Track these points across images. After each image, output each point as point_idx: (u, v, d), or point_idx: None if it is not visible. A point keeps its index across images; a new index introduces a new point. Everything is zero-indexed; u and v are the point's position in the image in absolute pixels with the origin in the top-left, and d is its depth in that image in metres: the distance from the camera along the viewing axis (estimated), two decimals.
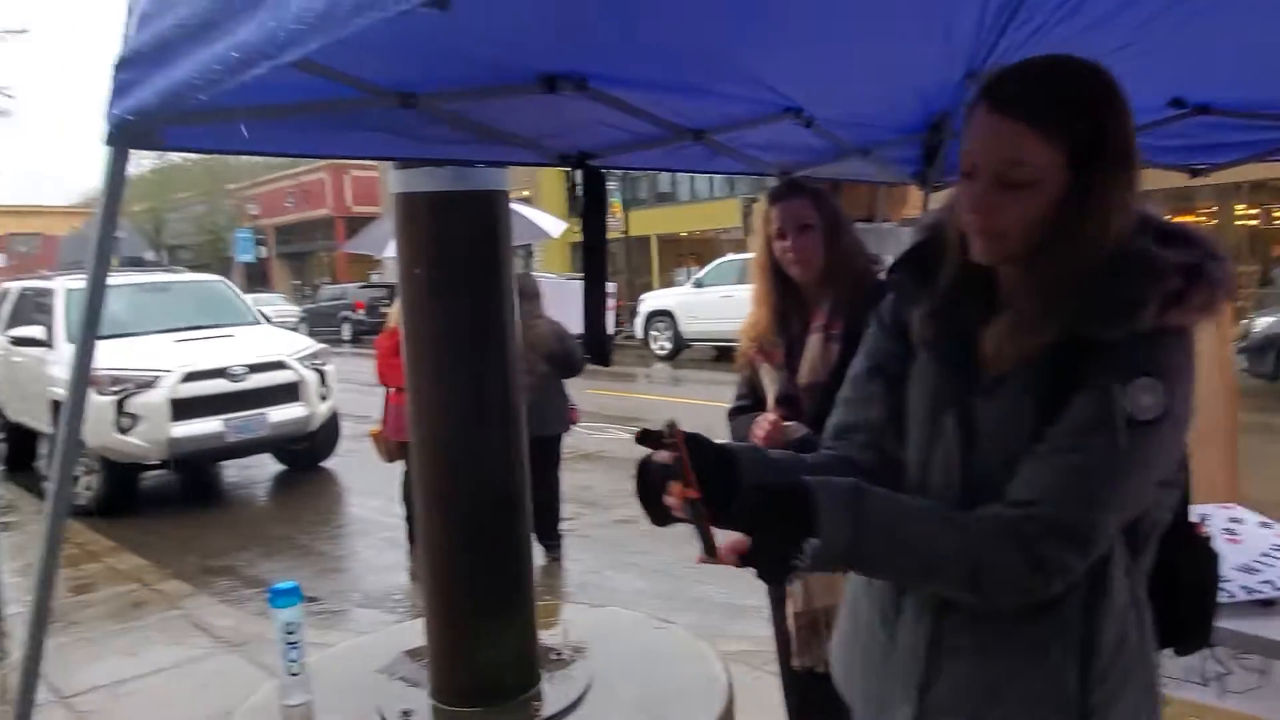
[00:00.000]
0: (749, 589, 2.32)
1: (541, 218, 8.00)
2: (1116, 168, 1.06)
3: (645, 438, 1.08)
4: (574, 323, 5.62)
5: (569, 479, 7.23)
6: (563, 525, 5.61)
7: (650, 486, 1.07)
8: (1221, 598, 1.84)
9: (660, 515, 1.08)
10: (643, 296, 17.51)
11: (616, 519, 6.25)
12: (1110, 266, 1.06)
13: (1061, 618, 1.11)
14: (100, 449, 6.58)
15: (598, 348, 2.10)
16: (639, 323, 16.62)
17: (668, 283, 21.80)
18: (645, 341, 16.42)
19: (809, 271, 2.15)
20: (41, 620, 1.61)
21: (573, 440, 8.72)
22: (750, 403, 2.31)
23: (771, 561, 1.04)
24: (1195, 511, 2.40)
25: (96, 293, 1.47)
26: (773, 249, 2.18)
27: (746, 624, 4.10)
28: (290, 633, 2.19)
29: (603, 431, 9.19)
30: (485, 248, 2.10)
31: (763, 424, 2.07)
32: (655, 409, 10.70)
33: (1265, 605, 1.90)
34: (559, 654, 2.42)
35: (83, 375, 1.54)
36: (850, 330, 2.09)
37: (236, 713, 2.28)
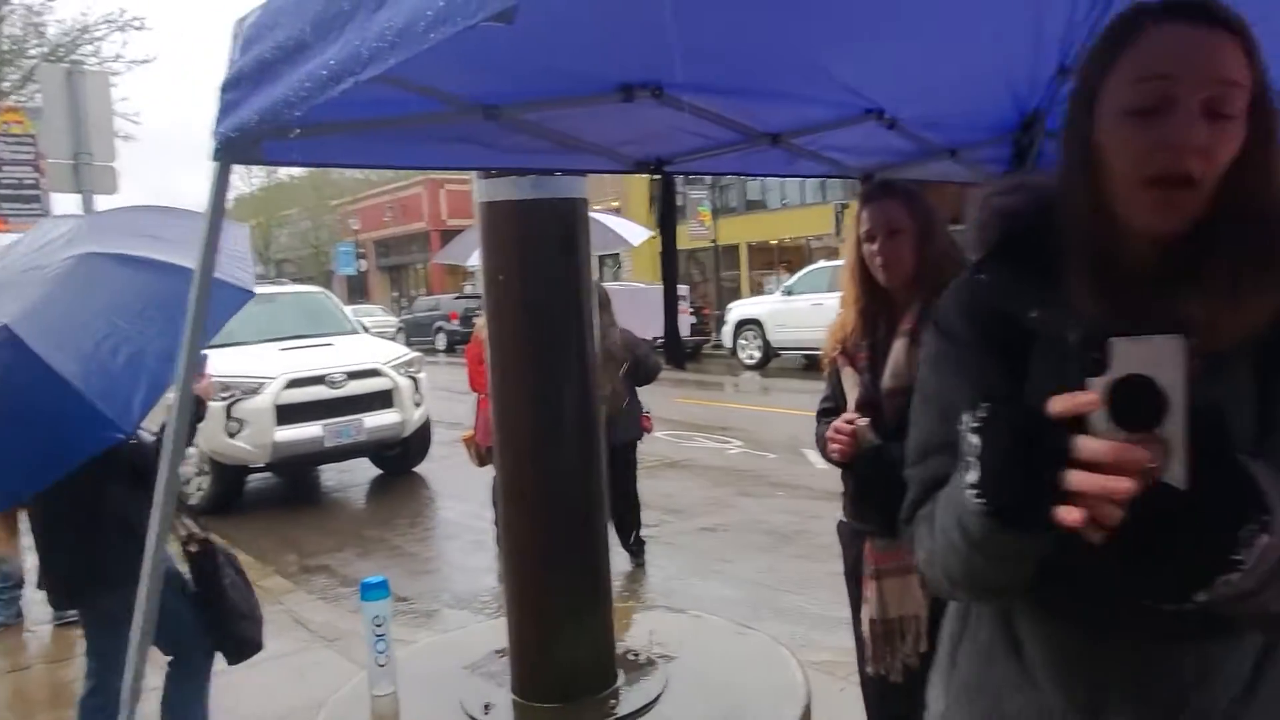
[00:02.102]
0: (842, 600, 2.29)
1: (622, 225, 8.04)
2: (1275, 116, 0.91)
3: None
4: (646, 328, 5.68)
5: (654, 486, 7.27)
6: (646, 531, 5.64)
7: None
8: None
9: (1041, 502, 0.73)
10: (730, 305, 17.42)
11: (701, 527, 6.25)
12: None
13: None
14: (210, 452, 6.93)
15: (675, 351, 2.11)
16: (727, 331, 16.53)
17: (758, 291, 21.62)
18: (734, 350, 16.34)
19: (896, 277, 2.11)
20: (147, 607, 1.73)
21: (659, 448, 8.81)
22: (834, 405, 2.29)
23: (1197, 556, 0.72)
24: None
25: (202, 297, 1.57)
26: (862, 251, 2.15)
27: (835, 636, 4.02)
28: (378, 625, 2.28)
29: (690, 440, 9.21)
30: (565, 255, 2.16)
31: (839, 427, 2.05)
32: (742, 418, 10.66)
33: None
34: (637, 655, 2.45)
35: (188, 378, 1.65)
36: None
37: (329, 701, 2.38)
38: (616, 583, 5.23)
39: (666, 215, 2.02)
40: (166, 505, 1.62)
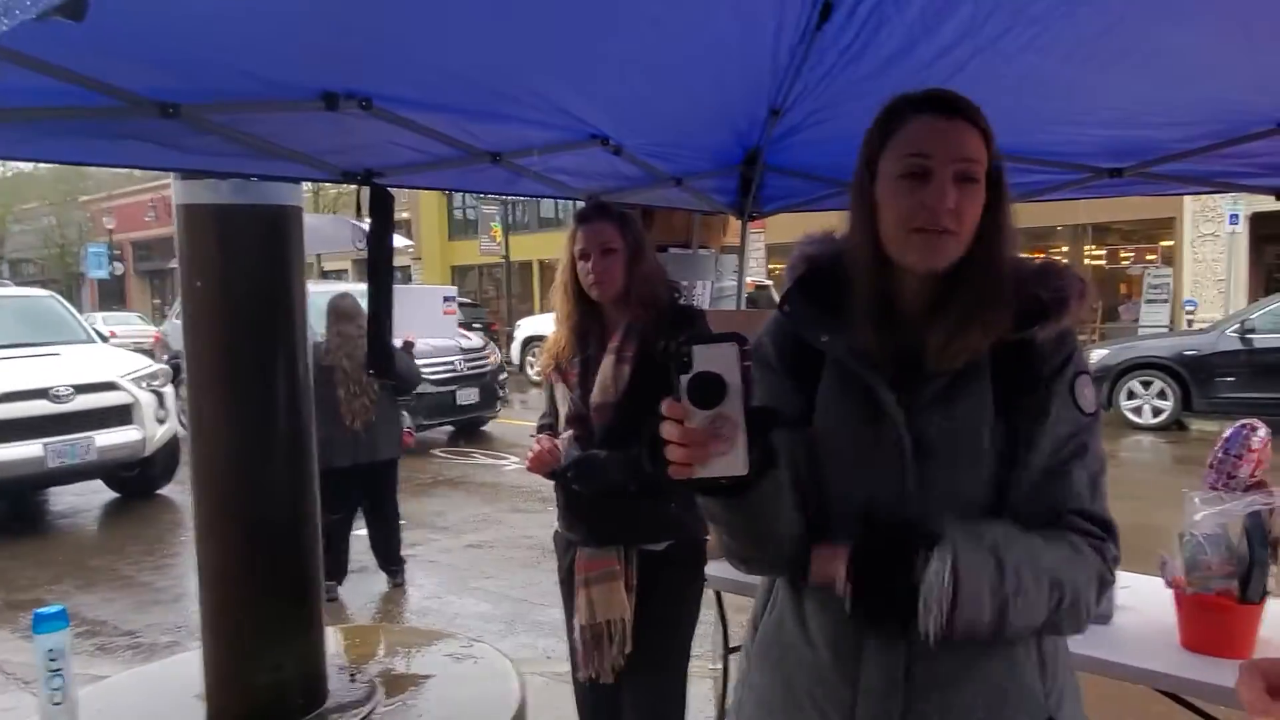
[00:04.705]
0: None
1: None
2: (1004, 186, 1.18)
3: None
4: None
5: (425, 505, 7.11)
6: (409, 550, 5.50)
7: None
8: None
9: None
10: (519, 322, 17.34)
11: (467, 544, 6.18)
12: (1036, 270, 1.18)
13: None
14: None
15: (381, 362, 2.09)
16: (515, 348, 16.42)
17: (549, 308, 21.51)
18: (521, 367, 16.27)
19: (608, 293, 2.21)
20: None
21: (434, 466, 8.63)
22: (552, 420, 2.35)
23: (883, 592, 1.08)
24: None
25: None
26: (576, 270, 2.23)
27: None
28: (53, 660, 2.07)
29: (467, 457, 9.09)
30: (272, 265, 2.07)
31: (538, 444, 2.13)
32: (523, 434, 10.62)
33: None
34: (354, 675, 2.39)
35: None
36: (643, 353, 2.16)
37: None
38: (371, 604, 5.06)
39: (378, 229, 2.00)
40: None
